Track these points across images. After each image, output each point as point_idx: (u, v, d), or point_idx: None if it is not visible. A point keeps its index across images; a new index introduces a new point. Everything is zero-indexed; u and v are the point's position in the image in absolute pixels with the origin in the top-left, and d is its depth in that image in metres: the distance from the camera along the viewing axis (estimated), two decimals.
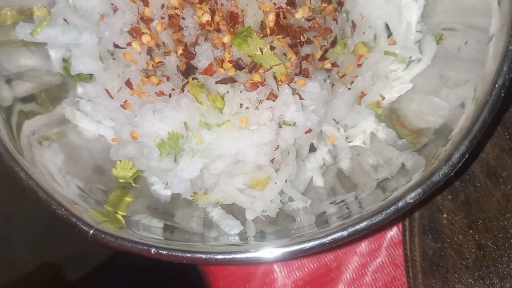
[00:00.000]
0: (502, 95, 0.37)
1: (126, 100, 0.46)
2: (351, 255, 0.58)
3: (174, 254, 0.37)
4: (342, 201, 0.45)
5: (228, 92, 0.42)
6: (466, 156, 0.37)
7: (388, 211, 0.36)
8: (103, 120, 0.51)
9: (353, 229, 0.36)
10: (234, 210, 0.49)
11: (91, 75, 0.51)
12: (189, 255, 0.37)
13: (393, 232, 0.57)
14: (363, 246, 0.57)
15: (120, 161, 0.47)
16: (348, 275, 0.57)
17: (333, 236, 0.36)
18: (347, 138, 0.52)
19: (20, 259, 1.37)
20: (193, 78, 0.44)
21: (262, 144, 0.41)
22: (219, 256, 0.37)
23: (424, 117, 0.47)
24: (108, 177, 0.49)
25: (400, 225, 0.55)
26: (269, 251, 0.37)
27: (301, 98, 0.43)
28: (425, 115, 0.47)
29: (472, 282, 0.49)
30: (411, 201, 0.36)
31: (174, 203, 0.50)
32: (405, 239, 0.53)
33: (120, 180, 0.49)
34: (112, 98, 0.47)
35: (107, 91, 0.47)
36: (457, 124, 0.40)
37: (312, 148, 0.52)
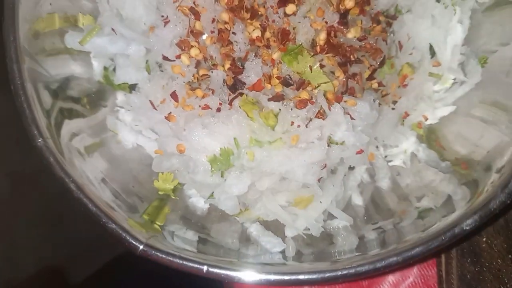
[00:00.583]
0: None
1: (170, 112, 0.46)
2: (383, 274, 0.57)
3: (224, 272, 0.37)
4: (380, 227, 0.44)
5: (280, 109, 0.41)
6: None
7: (443, 238, 0.36)
8: (143, 131, 0.50)
9: (408, 254, 0.36)
10: (271, 227, 0.48)
11: (130, 84, 0.51)
12: (238, 273, 0.37)
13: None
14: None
15: (163, 173, 0.46)
16: None
17: (388, 261, 0.36)
18: (385, 157, 0.52)
19: (22, 261, 1.37)
20: (241, 94, 0.43)
21: (311, 163, 0.41)
22: (272, 277, 0.37)
23: (468, 142, 0.47)
24: (146, 188, 0.49)
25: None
26: (308, 276, 0.37)
27: (351, 118, 0.43)
28: (469, 140, 0.46)
29: None
30: (467, 228, 0.36)
31: (211, 216, 0.50)
32: (440, 261, 0.52)
33: (160, 192, 0.48)
34: (156, 109, 0.47)
35: (151, 102, 0.47)
36: (508, 151, 0.40)
37: (350, 167, 0.52)
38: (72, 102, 0.49)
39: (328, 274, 0.37)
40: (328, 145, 0.43)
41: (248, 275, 0.38)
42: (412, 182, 0.50)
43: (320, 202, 0.44)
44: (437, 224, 0.38)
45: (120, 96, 0.52)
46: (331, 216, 0.48)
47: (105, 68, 0.51)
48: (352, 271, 0.37)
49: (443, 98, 0.50)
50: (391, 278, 0.57)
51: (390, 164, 0.51)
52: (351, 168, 0.52)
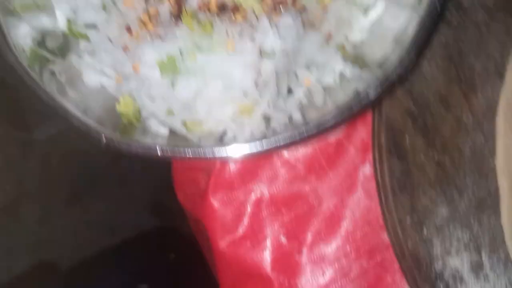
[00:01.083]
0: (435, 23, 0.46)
1: (126, 45, 0.54)
2: (330, 193, 0.64)
3: (177, 150, 0.43)
4: None
5: (216, 21, 0.50)
6: (415, 61, 0.45)
7: (353, 104, 0.44)
8: (105, 69, 0.57)
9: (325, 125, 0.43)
10: (226, 141, 0.55)
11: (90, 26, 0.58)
12: (190, 149, 0.43)
13: (366, 168, 0.64)
14: (340, 183, 0.64)
15: (123, 96, 0.53)
16: (328, 210, 0.63)
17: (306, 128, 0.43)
18: (319, 80, 0.60)
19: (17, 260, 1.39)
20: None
21: (246, 65, 0.49)
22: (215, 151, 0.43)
23: (377, 55, 0.55)
24: (113, 118, 0.55)
25: (371, 158, 0.62)
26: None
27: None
28: (378, 53, 0.55)
29: (435, 195, 0.56)
30: (372, 94, 0.44)
31: (171, 141, 0.56)
32: (376, 169, 0.60)
33: (123, 120, 0.55)
34: (112, 43, 0.54)
35: (109, 38, 0.54)
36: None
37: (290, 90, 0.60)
38: (47, 52, 0.56)
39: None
40: (261, 55, 0.51)
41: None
42: (340, 97, 0.58)
43: (259, 106, 0.51)
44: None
45: (83, 44, 0.59)
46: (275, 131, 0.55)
47: (69, 21, 0.58)
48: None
49: (361, 22, 0.59)
50: (338, 196, 0.64)
51: (322, 83, 0.59)
52: (290, 92, 0.60)
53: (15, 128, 1.48)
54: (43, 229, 1.42)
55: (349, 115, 0.44)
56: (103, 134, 0.42)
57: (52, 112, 0.45)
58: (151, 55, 0.49)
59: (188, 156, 0.43)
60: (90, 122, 0.45)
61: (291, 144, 0.44)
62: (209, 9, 0.51)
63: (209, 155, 0.43)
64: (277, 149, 0.49)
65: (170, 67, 0.48)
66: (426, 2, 0.50)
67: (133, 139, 0.46)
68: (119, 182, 1.47)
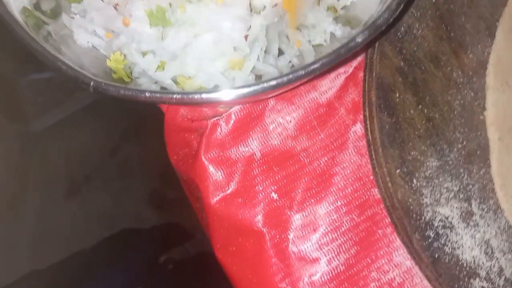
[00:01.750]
0: None
1: (117, 3, 0.54)
2: (322, 152, 0.65)
3: (164, 96, 0.44)
4: None
5: None
6: (402, 6, 0.46)
7: (341, 51, 0.44)
8: (96, 29, 0.57)
9: (311, 67, 0.44)
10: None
11: None
12: (177, 95, 0.44)
13: (357, 128, 0.65)
14: (331, 142, 0.65)
15: (113, 53, 0.54)
16: (319, 168, 0.64)
17: (295, 74, 0.44)
18: (310, 41, 0.60)
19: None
20: None
21: (236, 18, 0.49)
22: (204, 95, 0.44)
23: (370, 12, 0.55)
24: (105, 76, 0.56)
25: (361, 118, 0.63)
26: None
27: None
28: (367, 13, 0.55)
29: (425, 149, 0.57)
30: (359, 40, 0.44)
31: None
32: (367, 126, 0.61)
33: (114, 76, 0.55)
34: (103, 1, 0.55)
35: None
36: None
37: (281, 53, 0.60)
38: (42, 15, 0.56)
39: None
40: (251, 10, 0.51)
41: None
42: None
43: (249, 60, 0.51)
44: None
45: (74, 5, 0.59)
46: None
47: None
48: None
49: None
50: (328, 153, 0.64)
51: (313, 43, 0.60)
52: (281, 53, 0.60)
53: (12, 120, 1.48)
54: (42, 221, 1.43)
55: (337, 60, 0.44)
56: (91, 82, 0.42)
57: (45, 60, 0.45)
58: (141, 8, 0.49)
59: (175, 99, 0.43)
60: (79, 69, 0.45)
61: (281, 87, 0.44)
62: None
63: (197, 98, 0.44)
64: (265, 93, 0.49)
65: (159, 18, 0.48)
66: None
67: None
68: (117, 174, 1.48)
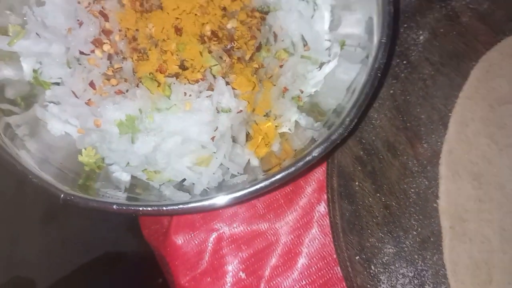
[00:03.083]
0: (379, 75, 0.50)
1: (90, 99, 0.56)
2: (288, 230, 0.68)
3: (132, 208, 0.46)
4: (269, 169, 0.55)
5: (174, 83, 0.53)
6: (355, 121, 0.49)
7: (299, 164, 0.47)
8: (69, 119, 0.59)
9: (273, 178, 0.47)
10: (184, 188, 0.58)
11: (57, 83, 0.61)
12: (143, 208, 0.46)
13: (321, 207, 0.68)
14: (297, 220, 0.68)
15: (85, 148, 0.56)
16: (286, 246, 0.67)
17: (258, 186, 0.47)
18: (276, 126, 0.64)
19: None
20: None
21: (203, 123, 0.52)
22: (169, 207, 0.46)
23: (331, 103, 0.59)
24: (76, 166, 0.57)
25: (325, 198, 0.66)
26: (221, 198, 0.47)
27: (234, 88, 0.55)
28: (331, 102, 0.59)
29: (382, 236, 0.61)
30: (316, 154, 0.48)
31: (134, 187, 0.59)
32: (329, 209, 0.64)
33: (86, 168, 0.57)
34: (78, 98, 0.57)
35: (73, 92, 0.57)
36: (349, 103, 0.52)
37: (250, 137, 0.63)
38: (8, 104, 0.58)
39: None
40: (218, 112, 0.54)
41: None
42: (296, 143, 0.62)
43: (216, 158, 0.54)
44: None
45: (48, 93, 0.61)
46: (232, 176, 0.59)
47: (34, 71, 0.61)
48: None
49: (315, 76, 0.63)
50: (295, 232, 0.67)
51: (279, 131, 0.63)
52: (249, 138, 0.63)
53: None
54: (18, 248, 1.43)
55: (297, 172, 0.48)
56: (61, 195, 0.44)
57: (11, 169, 0.47)
58: (111, 112, 0.52)
59: (142, 212, 0.46)
60: (48, 177, 0.47)
61: (240, 200, 0.47)
62: (168, 69, 0.54)
63: (163, 211, 0.46)
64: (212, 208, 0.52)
65: (128, 127, 0.51)
66: (372, 58, 0.54)
67: (90, 196, 0.48)
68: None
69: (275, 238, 0.67)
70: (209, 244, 0.66)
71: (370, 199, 0.62)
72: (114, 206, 0.45)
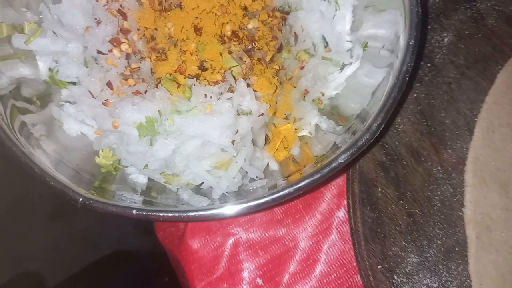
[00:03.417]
0: (407, 79, 0.48)
1: (107, 99, 0.55)
2: (306, 236, 0.66)
3: (152, 214, 0.45)
4: (289, 175, 0.54)
5: (194, 84, 0.51)
6: (382, 126, 0.48)
7: (324, 171, 0.46)
8: (86, 119, 0.58)
9: (297, 186, 0.45)
10: (202, 192, 0.57)
11: (73, 83, 0.59)
12: (164, 214, 0.45)
13: (341, 213, 0.66)
14: (316, 226, 0.66)
15: (102, 150, 0.54)
16: (304, 253, 0.65)
17: (281, 193, 0.45)
18: (296, 129, 0.62)
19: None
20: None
21: (223, 126, 0.50)
22: (191, 213, 0.45)
23: (354, 107, 0.57)
24: (92, 167, 0.56)
25: (345, 204, 0.64)
26: (230, 208, 0.45)
27: (255, 90, 0.53)
28: (354, 106, 0.57)
29: (406, 244, 0.59)
30: (342, 161, 0.46)
31: (150, 190, 0.58)
32: (350, 215, 0.62)
33: (102, 170, 0.56)
34: (95, 98, 0.55)
35: (90, 92, 0.56)
36: (374, 108, 0.50)
37: (268, 140, 0.62)
38: (24, 102, 0.56)
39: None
40: (238, 114, 0.53)
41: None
42: (316, 147, 0.60)
43: (236, 162, 0.53)
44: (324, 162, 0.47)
45: (64, 92, 0.60)
46: (251, 180, 0.57)
47: (50, 69, 0.59)
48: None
49: (337, 78, 0.62)
50: (313, 238, 0.66)
51: (299, 134, 0.61)
52: (268, 141, 0.61)
53: None
54: (26, 243, 1.43)
55: (321, 179, 0.46)
56: (80, 199, 0.43)
57: (28, 171, 0.46)
58: (130, 114, 0.50)
59: (163, 218, 0.44)
60: (64, 179, 0.46)
61: (266, 207, 0.45)
62: (189, 69, 0.53)
63: (183, 217, 0.45)
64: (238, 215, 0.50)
65: (148, 129, 0.49)
66: (400, 61, 0.51)
67: (106, 198, 0.47)
68: None
69: (293, 244, 0.66)
70: (226, 249, 0.64)
71: (393, 206, 0.60)
72: (134, 212, 0.43)
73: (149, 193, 0.56)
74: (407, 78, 0.48)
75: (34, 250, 1.47)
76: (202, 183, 0.56)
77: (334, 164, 0.46)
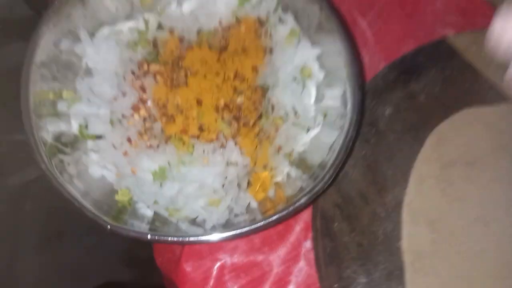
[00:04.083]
0: (351, 142, 0.67)
1: (126, 150, 0.72)
2: (280, 261, 0.82)
3: (162, 238, 0.61)
4: (266, 211, 0.71)
5: (196, 143, 0.69)
6: (333, 176, 0.65)
7: (291, 208, 0.63)
8: (107, 165, 0.74)
9: (269, 219, 0.62)
10: (196, 223, 0.73)
11: (98, 136, 0.76)
12: (171, 238, 0.60)
13: (308, 243, 0.82)
14: (287, 254, 0.82)
15: (121, 189, 0.71)
16: (278, 275, 0.81)
17: (258, 225, 0.62)
18: (272, 176, 0.79)
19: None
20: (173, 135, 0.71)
21: (216, 174, 0.67)
22: (191, 238, 0.61)
23: (316, 159, 0.75)
24: (110, 201, 0.72)
25: (311, 235, 0.81)
26: (219, 235, 0.61)
27: (240, 148, 0.71)
28: (316, 158, 0.75)
29: (356, 268, 0.75)
30: (303, 202, 0.63)
31: (154, 220, 0.73)
32: (314, 245, 0.79)
33: (119, 204, 0.72)
34: (116, 149, 0.72)
35: (113, 144, 0.73)
36: (331, 160, 0.68)
37: (250, 184, 0.79)
38: (62, 145, 0.73)
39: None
40: (227, 165, 0.70)
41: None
42: (288, 190, 0.77)
43: (225, 201, 0.69)
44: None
45: (90, 143, 0.76)
46: (236, 215, 0.74)
47: (80, 125, 0.76)
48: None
49: (304, 138, 0.80)
50: (285, 264, 0.81)
51: (274, 180, 0.79)
52: (250, 185, 0.79)
53: None
54: (11, 274, 1.44)
55: (289, 215, 0.63)
56: (108, 226, 0.59)
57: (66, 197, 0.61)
58: (146, 163, 0.67)
59: (172, 241, 0.60)
60: (90, 207, 0.61)
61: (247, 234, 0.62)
62: (191, 130, 0.71)
63: (188, 240, 0.61)
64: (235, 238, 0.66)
65: (160, 175, 0.66)
66: (347, 126, 0.70)
67: (128, 226, 0.63)
68: (89, 229, 1.52)
69: (269, 268, 0.81)
70: (213, 271, 0.79)
71: (346, 237, 0.76)
72: (148, 236, 0.59)
73: (153, 223, 0.72)
74: (352, 141, 0.67)
75: (19, 283, 1.48)
76: (197, 216, 0.72)
77: (297, 204, 0.63)
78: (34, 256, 1.43)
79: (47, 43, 0.71)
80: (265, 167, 0.79)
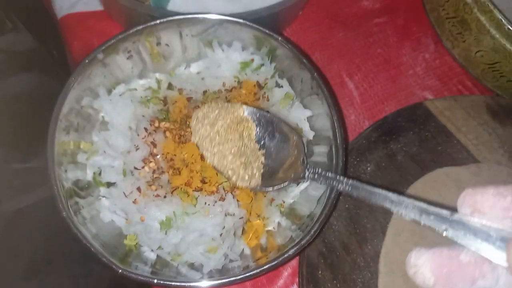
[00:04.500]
0: (336, 196, 0.76)
1: (136, 199, 0.80)
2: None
3: (167, 283, 0.68)
4: (258, 258, 0.79)
5: (199, 195, 0.78)
6: (318, 231, 0.74)
7: (281, 258, 0.71)
8: (117, 211, 0.83)
9: (263, 267, 0.70)
10: (195, 267, 0.81)
11: (111, 183, 0.85)
12: (174, 283, 0.68)
13: (294, 287, 0.91)
14: None
15: (129, 234, 0.79)
16: None
17: (251, 272, 0.70)
18: (264, 225, 0.88)
19: None
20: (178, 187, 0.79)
21: (215, 224, 0.76)
22: (192, 284, 0.69)
23: (305, 211, 0.85)
24: (117, 243, 0.80)
25: (297, 281, 0.89)
26: (218, 281, 0.69)
27: (237, 200, 0.80)
28: (305, 209, 0.85)
29: None
30: (291, 253, 0.72)
31: (156, 263, 0.81)
32: None
33: (126, 248, 0.80)
34: (126, 197, 0.81)
35: (123, 193, 0.81)
36: (318, 212, 0.77)
37: (244, 231, 0.87)
38: (79, 189, 0.81)
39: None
40: (226, 215, 0.79)
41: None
42: (278, 239, 0.86)
43: (222, 248, 0.78)
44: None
45: (103, 189, 0.85)
46: (231, 260, 0.82)
47: (94, 173, 0.85)
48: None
49: (294, 191, 0.89)
50: None
51: (266, 229, 0.87)
52: (244, 232, 0.87)
53: None
54: None
55: (280, 264, 0.71)
56: (119, 270, 0.67)
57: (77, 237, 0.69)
58: (154, 213, 0.76)
59: (174, 286, 0.68)
60: (103, 252, 0.69)
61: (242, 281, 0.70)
62: (194, 182, 0.80)
63: (190, 286, 0.68)
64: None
65: (167, 224, 0.75)
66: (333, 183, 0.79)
67: (132, 268, 0.70)
68: (78, 259, 1.56)
69: None
70: None
71: (329, 284, 0.85)
72: (155, 280, 0.67)
73: (155, 266, 0.80)
74: (336, 196, 0.76)
75: None
76: (195, 262, 0.80)
77: (286, 255, 0.72)
78: (21, 282, 1.44)
79: (70, 99, 0.81)
80: (258, 216, 0.88)
